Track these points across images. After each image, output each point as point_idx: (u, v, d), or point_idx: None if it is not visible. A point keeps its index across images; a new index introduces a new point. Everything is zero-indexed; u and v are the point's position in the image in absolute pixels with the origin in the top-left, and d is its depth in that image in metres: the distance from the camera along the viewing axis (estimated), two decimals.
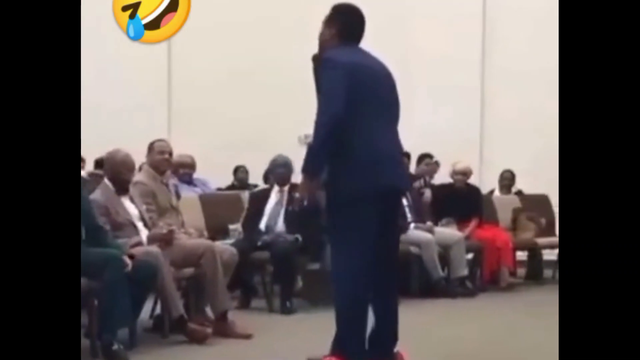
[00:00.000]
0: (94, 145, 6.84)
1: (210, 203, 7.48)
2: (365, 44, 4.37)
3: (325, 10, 4.40)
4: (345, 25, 4.28)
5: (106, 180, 5.60)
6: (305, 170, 4.18)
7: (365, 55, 4.29)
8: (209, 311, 5.75)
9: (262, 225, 7.05)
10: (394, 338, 4.39)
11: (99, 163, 7.64)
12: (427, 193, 8.50)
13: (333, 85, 4.03)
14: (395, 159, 4.31)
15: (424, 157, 9.12)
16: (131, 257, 5.08)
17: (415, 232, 7.80)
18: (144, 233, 5.59)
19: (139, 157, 6.16)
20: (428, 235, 7.79)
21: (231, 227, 7.27)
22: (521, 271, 9.07)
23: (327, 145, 4.03)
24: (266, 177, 8.60)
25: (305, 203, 4.23)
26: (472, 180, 8.81)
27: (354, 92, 4.02)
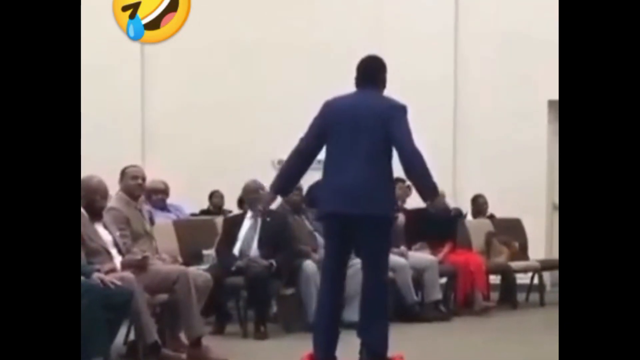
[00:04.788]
0: None
1: (184, 229, 7.47)
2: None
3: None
4: (356, 74, 5.07)
5: None
6: (271, 185, 5.17)
7: (360, 98, 5.01)
8: (183, 337, 5.73)
9: (236, 250, 7.04)
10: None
11: None
12: (401, 217, 8.51)
13: (311, 122, 5.02)
14: (350, 186, 4.83)
15: (396, 182, 9.12)
16: (104, 283, 5.07)
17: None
18: (118, 259, 5.57)
19: (112, 182, 6.13)
20: (402, 260, 7.80)
21: (205, 252, 7.25)
22: (494, 295, 9.10)
23: (288, 164, 5.08)
24: (240, 203, 8.59)
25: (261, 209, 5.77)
26: None
27: (326, 128, 4.94)
